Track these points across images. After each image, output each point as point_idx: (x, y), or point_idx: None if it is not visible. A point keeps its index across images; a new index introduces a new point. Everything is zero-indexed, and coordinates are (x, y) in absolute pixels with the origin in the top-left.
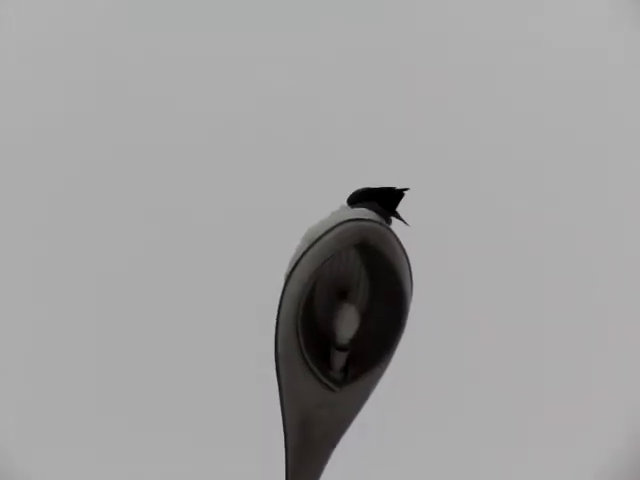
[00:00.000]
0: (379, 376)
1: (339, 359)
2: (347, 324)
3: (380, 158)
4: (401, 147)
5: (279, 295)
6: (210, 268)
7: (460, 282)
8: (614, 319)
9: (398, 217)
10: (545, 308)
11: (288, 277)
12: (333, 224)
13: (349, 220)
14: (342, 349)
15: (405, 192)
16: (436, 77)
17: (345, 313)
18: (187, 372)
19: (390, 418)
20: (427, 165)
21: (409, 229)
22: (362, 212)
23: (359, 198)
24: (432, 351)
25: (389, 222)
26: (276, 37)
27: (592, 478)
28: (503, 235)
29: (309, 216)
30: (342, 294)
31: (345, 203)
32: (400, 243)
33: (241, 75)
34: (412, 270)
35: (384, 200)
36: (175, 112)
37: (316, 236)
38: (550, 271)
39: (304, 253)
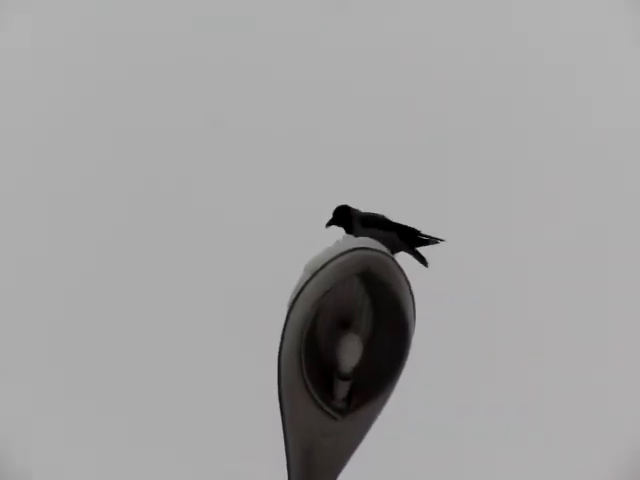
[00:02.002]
0: (382, 405)
1: (342, 388)
2: (350, 353)
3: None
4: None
5: (282, 324)
6: (215, 288)
7: (466, 291)
8: (617, 328)
9: (418, 256)
10: (548, 315)
11: (291, 306)
12: (336, 253)
13: (353, 249)
14: (345, 378)
15: (439, 242)
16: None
17: (348, 342)
18: (191, 390)
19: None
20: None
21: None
22: (366, 241)
23: (373, 223)
24: (437, 368)
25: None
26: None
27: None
28: (505, 242)
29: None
30: (345, 323)
31: (357, 223)
32: (404, 273)
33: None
34: (415, 300)
35: (407, 236)
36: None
37: (319, 265)
38: (553, 281)
39: (307, 283)
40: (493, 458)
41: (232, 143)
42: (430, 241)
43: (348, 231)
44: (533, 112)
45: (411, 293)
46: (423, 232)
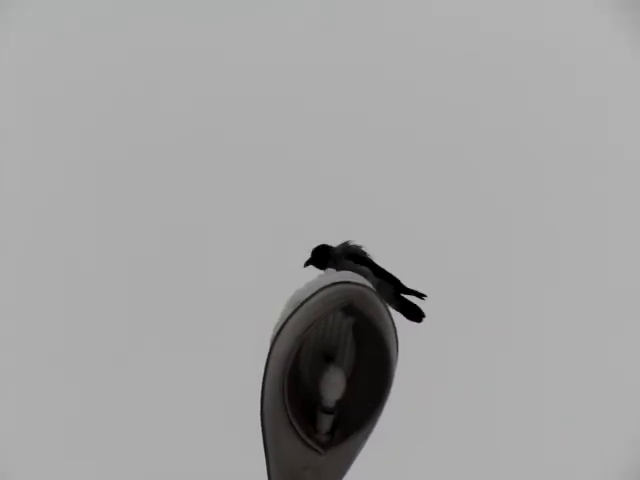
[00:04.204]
0: (365, 439)
1: (325, 422)
2: (333, 387)
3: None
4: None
5: (265, 359)
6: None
7: (464, 290)
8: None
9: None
10: (547, 314)
11: (274, 340)
12: (319, 287)
13: (335, 283)
14: (328, 412)
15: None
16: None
17: (331, 376)
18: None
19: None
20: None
21: None
22: (348, 275)
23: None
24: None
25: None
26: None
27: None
28: (498, 242)
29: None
30: (328, 357)
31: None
32: (386, 306)
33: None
34: (398, 332)
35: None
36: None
37: (302, 299)
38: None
39: (290, 317)
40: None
41: (229, 154)
42: (411, 293)
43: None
44: (533, 113)
45: (394, 326)
46: (404, 283)
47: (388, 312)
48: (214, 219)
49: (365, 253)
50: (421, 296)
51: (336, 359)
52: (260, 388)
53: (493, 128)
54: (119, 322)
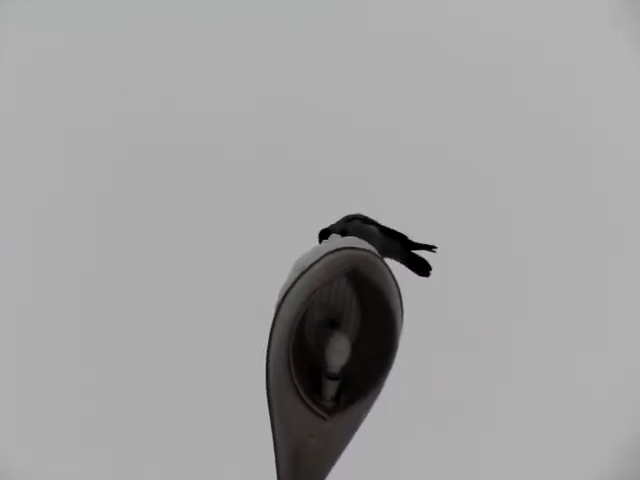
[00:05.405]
0: (370, 404)
1: (330, 388)
2: (338, 353)
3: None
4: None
5: (270, 324)
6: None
7: (464, 287)
8: (615, 318)
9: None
10: (546, 308)
11: (279, 305)
12: (323, 253)
13: (340, 248)
14: (333, 378)
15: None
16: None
17: (336, 342)
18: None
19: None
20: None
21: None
22: (353, 241)
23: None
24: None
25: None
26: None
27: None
28: (498, 242)
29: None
30: (333, 323)
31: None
32: (391, 271)
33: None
34: (403, 297)
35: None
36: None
37: (306, 265)
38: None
39: (294, 282)
40: (493, 455)
41: (228, 154)
42: (420, 247)
43: None
44: (533, 113)
45: (399, 292)
46: (411, 238)
47: (394, 278)
48: (214, 219)
49: (370, 217)
50: (431, 248)
51: (341, 325)
52: (265, 356)
53: (493, 128)
54: (119, 322)
